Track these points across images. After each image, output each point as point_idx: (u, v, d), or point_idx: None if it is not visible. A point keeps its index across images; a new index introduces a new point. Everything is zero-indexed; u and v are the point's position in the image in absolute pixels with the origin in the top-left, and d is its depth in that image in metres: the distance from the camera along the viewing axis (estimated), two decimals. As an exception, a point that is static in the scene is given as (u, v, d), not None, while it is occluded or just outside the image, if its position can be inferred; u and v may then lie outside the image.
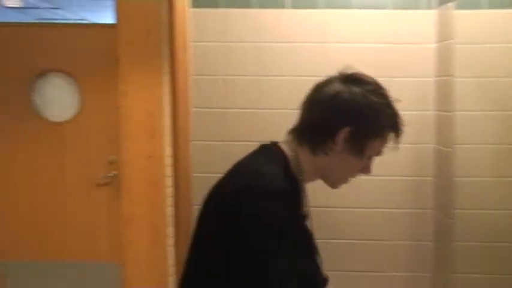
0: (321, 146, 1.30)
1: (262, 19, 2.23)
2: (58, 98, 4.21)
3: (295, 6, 2.22)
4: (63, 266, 4.26)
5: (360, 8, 2.22)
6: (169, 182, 4.17)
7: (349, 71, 1.34)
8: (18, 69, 4.13)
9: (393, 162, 2.25)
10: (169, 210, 4.20)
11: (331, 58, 2.24)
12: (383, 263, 2.32)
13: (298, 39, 2.23)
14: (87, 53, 4.13)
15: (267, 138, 2.24)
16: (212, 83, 2.26)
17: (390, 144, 1.31)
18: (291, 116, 2.24)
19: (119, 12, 4.08)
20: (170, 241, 4.21)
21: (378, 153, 1.34)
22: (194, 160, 2.28)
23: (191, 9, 2.23)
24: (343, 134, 1.27)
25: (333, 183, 1.38)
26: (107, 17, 4.32)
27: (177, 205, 2.33)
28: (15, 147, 4.17)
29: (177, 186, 2.30)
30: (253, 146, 2.24)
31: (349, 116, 1.28)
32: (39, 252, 4.26)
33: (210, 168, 2.28)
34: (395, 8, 2.22)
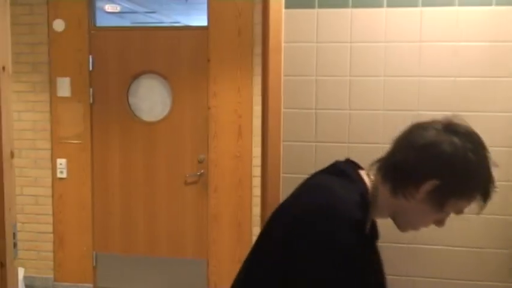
0: (403, 190, 1.25)
1: (356, 19, 2.20)
2: (151, 99, 4.37)
3: (391, 4, 2.17)
4: (151, 261, 4.41)
5: (461, 5, 2.13)
6: (256, 182, 4.22)
7: (455, 120, 1.25)
8: (116, 70, 4.33)
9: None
10: (255, 210, 4.25)
11: (427, 58, 2.17)
12: (475, 270, 2.21)
13: (392, 38, 2.18)
14: (179, 55, 4.26)
15: (357, 140, 2.22)
16: (303, 83, 2.25)
17: (474, 206, 1.23)
18: (382, 117, 2.19)
19: (211, 14, 4.18)
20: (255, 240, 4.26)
21: (459, 212, 1.27)
22: (282, 160, 2.28)
23: (284, 10, 2.23)
24: (428, 185, 1.21)
25: (403, 226, 1.33)
26: (200, 19, 4.43)
27: (264, 205, 2.33)
28: (111, 145, 4.37)
29: (264, 186, 2.31)
30: (342, 147, 2.22)
31: (441, 169, 1.21)
32: (128, 247, 4.43)
33: (298, 169, 2.27)
34: (499, 4, 2.12)
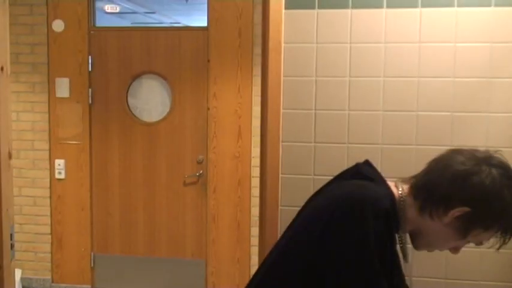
0: (432, 210, 1.26)
1: (356, 19, 2.19)
2: (151, 99, 4.37)
3: (391, 5, 2.16)
4: (149, 262, 4.40)
5: (461, 6, 2.13)
6: (254, 182, 4.21)
7: (496, 154, 1.27)
8: (116, 71, 4.32)
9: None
10: (254, 211, 4.25)
11: (427, 59, 2.16)
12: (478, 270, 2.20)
13: (392, 39, 2.18)
14: (179, 55, 4.25)
15: (356, 140, 2.21)
16: (303, 84, 2.25)
17: (493, 239, 1.26)
18: (381, 118, 2.18)
19: (211, 14, 4.18)
20: (254, 241, 4.25)
21: (478, 243, 1.30)
22: (282, 161, 2.28)
23: (284, 10, 2.22)
24: (458, 211, 1.23)
25: (420, 245, 1.35)
26: (200, 20, 4.43)
27: (263, 206, 2.33)
28: (110, 146, 4.37)
29: (263, 187, 2.30)
30: (341, 148, 2.21)
31: (475, 199, 1.22)
32: (127, 248, 4.42)
33: (298, 169, 2.26)
34: (499, 5, 2.11)
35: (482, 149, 1.31)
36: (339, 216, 1.20)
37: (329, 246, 1.19)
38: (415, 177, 1.33)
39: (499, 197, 1.21)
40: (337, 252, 1.18)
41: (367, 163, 1.40)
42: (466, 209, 1.22)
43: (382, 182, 1.33)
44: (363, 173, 1.35)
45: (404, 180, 1.35)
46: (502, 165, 1.25)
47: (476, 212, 1.22)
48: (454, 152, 1.30)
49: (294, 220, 1.42)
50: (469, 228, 1.24)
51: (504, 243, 1.27)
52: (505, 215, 1.23)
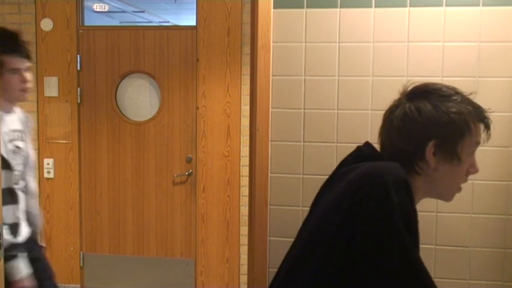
0: (414, 168, 1.28)
1: (344, 19, 2.20)
2: (140, 98, 4.35)
3: (379, 5, 2.17)
4: (138, 261, 4.39)
5: (449, 6, 2.15)
6: (244, 181, 4.21)
7: (410, 86, 1.31)
8: (104, 70, 4.31)
9: (482, 166, 2.15)
10: (243, 210, 4.25)
11: (415, 58, 2.18)
12: (466, 269, 2.22)
13: (380, 38, 2.19)
14: (168, 54, 4.24)
15: (345, 139, 2.22)
16: (291, 83, 2.25)
17: (482, 135, 1.28)
18: (370, 117, 2.19)
19: (200, 13, 4.17)
20: (243, 240, 4.25)
21: (476, 146, 1.30)
22: (271, 160, 2.28)
23: (273, 9, 2.23)
24: (430, 150, 1.25)
25: (446, 196, 1.35)
26: (189, 19, 4.42)
27: (252, 205, 2.33)
28: (99, 145, 4.35)
29: (253, 186, 2.31)
30: (330, 147, 2.22)
31: (427, 131, 1.24)
32: (116, 247, 4.40)
33: (286, 168, 2.27)
34: (486, 5, 2.13)
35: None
36: (360, 196, 1.19)
37: (356, 227, 1.18)
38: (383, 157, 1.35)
39: (439, 110, 1.24)
40: (365, 232, 1.17)
41: (368, 144, 1.41)
42: (431, 142, 1.24)
43: (383, 159, 1.34)
44: (367, 154, 1.35)
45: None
46: (420, 89, 1.29)
47: (441, 136, 1.24)
48: (386, 115, 1.33)
49: (308, 217, 1.41)
50: (453, 150, 1.26)
51: (489, 133, 1.30)
52: (460, 115, 1.25)
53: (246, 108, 4.09)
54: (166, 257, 4.36)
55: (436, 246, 2.22)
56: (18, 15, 4.27)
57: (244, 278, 4.25)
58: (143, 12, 6.43)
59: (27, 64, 2.42)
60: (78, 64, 4.27)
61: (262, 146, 2.25)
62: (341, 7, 2.20)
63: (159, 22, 7.01)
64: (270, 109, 2.25)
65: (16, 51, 2.36)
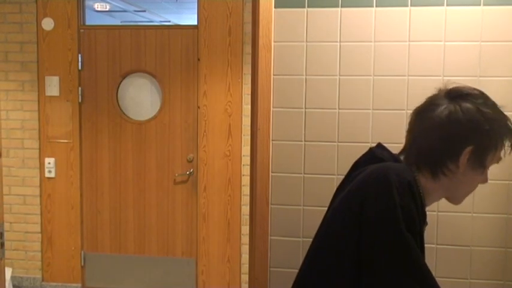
0: (443, 169, 1.29)
1: (345, 18, 2.20)
2: (141, 98, 4.36)
3: (380, 4, 2.17)
4: (140, 261, 4.39)
5: (450, 5, 2.14)
6: (245, 181, 4.21)
7: (451, 86, 1.32)
8: (105, 69, 4.31)
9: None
10: (244, 209, 4.25)
11: (416, 57, 2.17)
12: (467, 269, 2.22)
13: (382, 38, 2.19)
14: (169, 54, 4.24)
15: (346, 139, 2.22)
16: (292, 82, 2.25)
17: (508, 149, 1.30)
18: (371, 117, 2.19)
19: (201, 13, 4.17)
20: (244, 239, 4.25)
21: (498, 161, 1.33)
22: (272, 159, 2.28)
23: (274, 9, 2.23)
24: (466, 155, 1.26)
25: (458, 200, 1.39)
26: (190, 18, 4.42)
27: (253, 204, 2.33)
28: (100, 144, 4.35)
29: (254, 185, 2.31)
30: (331, 146, 2.22)
31: (468, 136, 1.26)
32: (117, 247, 4.41)
33: (288, 168, 2.27)
34: (488, 4, 2.13)
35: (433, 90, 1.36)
36: (365, 196, 1.22)
37: (361, 227, 1.20)
38: (404, 152, 1.36)
39: (483, 117, 1.26)
40: (368, 232, 1.19)
41: (380, 146, 1.42)
42: (469, 148, 1.25)
43: (399, 161, 1.35)
44: (379, 156, 1.36)
45: (404, 159, 1.37)
46: (464, 92, 1.31)
47: (478, 143, 1.26)
48: (421, 111, 1.34)
49: (324, 218, 1.43)
50: (483, 159, 1.28)
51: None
52: (498, 126, 1.27)
53: (247, 108, 4.09)
54: (168, 256, 4.37)
55: (437, 246, 2.22)
56: (20, 15, 4.28)
57: (245, 277, 4.26)
58: (144, 11, 6.43)
59: None
60: (79, 63, 4.27)
61: (263, 146, 2.26)
62: (342, 7, 2.20)
63: (160, 21, 7.01)
64: (271, 108, 2.25)
65: None
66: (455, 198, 1.37)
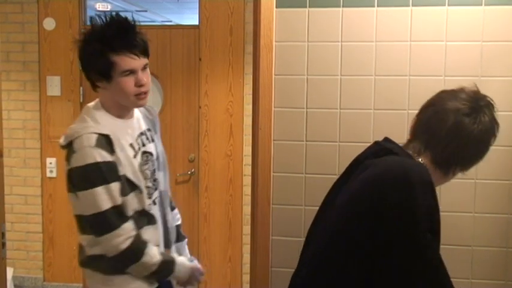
0: (456, 171, 1.40)
1: (346, 18, 2.20)
2: (142, 97, 4.36)
3: (382, 4, 2.17)
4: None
5: (451, 5, 2.14)
6: (246, 180, 4.21)
7: (479, 93, 1.42)
8: (107, 68, 4.31)
9: (484, 165, 2.16)
10: (246, 209, 4.25)
11: (417, 57, 2.17)
12: (469, 268, 2.22)
13: (383, 37, 2.19)
14: (171, 54, 4.24)
15: (347, 139, 2.22)
16: (294, 82, 2.25)
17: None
18: (372, 116, 2.19)
19: (203, 13, 4.17)
20: (246, 239, 4.25)
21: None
22: (273, 159, 2.28)
23: (276, 9, 2.23)
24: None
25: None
26: (192, 18, 4.42)
27: (254, 204, 2.33)
28: (101, 143, 4.35)
29: (255, 185, 2.31)
30: (332, 146, 2.22)
31: (484, 147, 1.39)
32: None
33: (289, 167, 2.27)
34: (489, 4, 2.13)
35: (467, 87, 1.45)
36: (384, 194, 1.22)
37: (379, 225, 1.20)
38: (424, 145, 1.38)
39: (493, 129, 1.39)
40: (388, 230, 1.19)
41: (387, 139, 1.42)
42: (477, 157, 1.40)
43: (407, 155, 1.37)
44: (387, 147, 1.38)
45: (419, 152, 1.40)
46: (485, 102, 1.40)
47: (483, 153, 1.40)
48: (453, 112, 1.36)
49: (323, 213, 1.44)
50: (472, 166, 1.42)
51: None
52: (495, 132, 1.42)
53: (248, 108, 4.08)
54: (169, 256, 4.36)
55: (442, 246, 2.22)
56: (21, 15, 4.28)
57: (246, 277, 4.25)
58: (146, 11, 6.44)
59: (143, 61, 1.90)
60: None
61: (265, 145, 2.26)
62: (343, 6, 2.20)
63: (162, 21, 7.01)
64: (273, 108, 2.26)
65: (128, 46, 1.84)
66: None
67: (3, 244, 1.98)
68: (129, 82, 1.83)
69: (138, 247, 1.83)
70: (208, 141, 4.25)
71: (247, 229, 4.20)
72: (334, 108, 2.23)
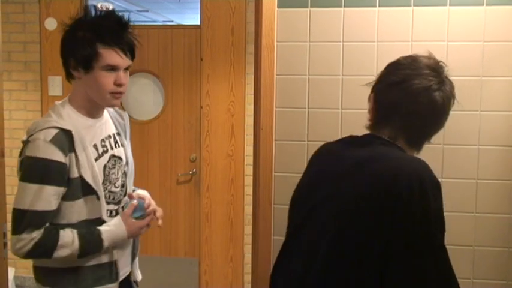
0: (423, 144, 1.41)
1: (348, 18, 2.20)
2: (143, 98, 4.36)
3: (383, 4, 2.17)
4: (142, 260, 4.39)
5: (453, 5, 2.14)
6: (248, 180, 4.21)
7: (432, 58, 1.42)
8: (108, 68, 4.31)
9: (485, 165, 2.15)
10: (247, 209, 4.25)
11: (419, 58, 2.17)
12: (470, 269, 2.22)
13: (384, 37, 2.19)
14: (172, 54, 4.25)
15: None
16: (295, 82, 2.25)
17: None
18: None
19: (204, 13, 4.17)
20: (247, 239, 4.25)
21: None
22: (275, 159, 2.28)
23: (277, 9, 2.23)
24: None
25: None
26: (193, 18, 4.42)
27: (256, 204, 2.33)
28: (103, 143, 4.35)
29: (257, 185, 2.31)
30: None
31: (448, 114, 1.39)
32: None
33: (290, 167, 2.27)
34: (490, 4, 2.12)
35: (420, 55, 1.44)
36: (396, 197, 1.21)
37: (392, 229, 1.20)
38: (398, 130, 1.39)
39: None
40: (401, 234, 1.19)
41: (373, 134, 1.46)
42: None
43: (398, 147, 1.39)
44: (379, 136, 1.41)
45: (387, 136, 1.41)
46: (442, 69, 1.41)
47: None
48: (418, 79, 1.36)
49: (303, 209, 1.44)
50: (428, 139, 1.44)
51: None
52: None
53: (250, 107, 4.09)
54: (170, 256, 4.37)
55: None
56: (22, 15, 4.28)
57: (248, 277, 4.25)
58: (147, 11, 6.44)
59: (128, 62, 1.85)
60: (82, 63, 4.27)
61: (266, 145, 2.26)
62: (345, 6, 2.20)
63: (163, 21, 7.01)
64: (274, 108, 2.26)
65: (118, 42, 1.79)
66: None
67: (5, 244, 1.98)
68: (108, 78, 1.77)
69: (44, 246, 1.71)
70: (209, 141, 4.25)
71: (248, 229, 4.20)
72: (336, 108, 2.23)
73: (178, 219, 4.32)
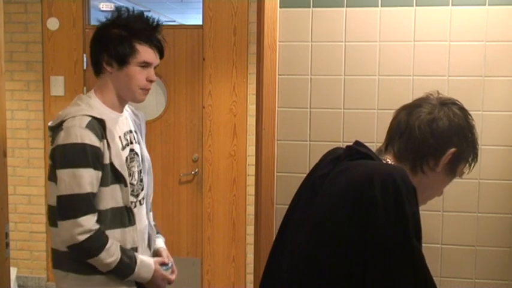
0: (423, 166, 1.34)
1: (350, 18, 2.20)
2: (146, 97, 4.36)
3: (386, 4, 2.17)
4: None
5: (455, 5, 2.14)
6: (250, 180, 4.21)
7: (442, 95, 1.40)
8: (110, 68, 4.32)
9: (488, 165, 2.15)
10: (250, 209, 4.25)
11: (421, 57, 2.17)
12: (472, 268, 2.21)
13: (387, 37, 2.18)
14: (174, 54, 4.25)
15: (351, 139, 2.21)
16: (297, 82, 2.25)
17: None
18: (376, 117, 2.19)
19: (206, 13, 4.18)
20: (249, 239, 4.26)
21: (461, 175, 1.41)
22: (277, 159, 2.28)
23: (279, 8, 2.23)
24: (448, 156, 1.32)
25: (423, 200, 1.39)
26: (195, 18, 4.42)
27: (258, 204, 2.33)
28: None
29: (259, 185, 2.31)
30: (337, 146, 2.21)
31: (453, 138, 1.33)
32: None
33: (293, 168, 2.27)
34: (493, 4, 2.12)
35: (431, 95, 1.42)
36: (369, 201, 1.19)
37: (365, 235, 1.18)
38: (389, 146, 1.40)
39: (470, 127, 1.36)
40: (375, 241, 1.17)
41: (359, 143, 1.42)
42: (453, 149, 1.32)
43: (380, 159, 1.37)
44: (363, 152, 1.37)
45: (380, 154, 1.41)
46: (451, 101, 1.38)
47: (461, 148, 1.33)
48: (411, 108, 1.38)
49: (290, 220, 1.42)
50: (457, 165, 1.36)
51: (471, 168, 1.40)
52: (475, 139, 1.37)
53: (252, 108, 4.09)
54: (173, 256, 4.36)
55: (442, 246, 2.21)
56: (25, 15, 4.29)
57: (250, 277, 4.25)
58: (149, 11, 6.43)
59: (158, 61, 2.04)
60: (84, 63, 4.28)
61: (269, 145, 2.26)
62: (347, 6, 2.20)
63: (165, 21, 7.01)
64: (276, 108, 2.25)
65: (153, 41, 1.97)
66: (421, 198, 1.36)
67: (7, 244, 1.99)
68: (141, 74, 1.91)
69: (96, 242, 1.78)
70: (211, 141, 4.25)
71: (251, 229, 4.20)
72: (338, 108, 2.23)
73: (180, 219, 4.32)
